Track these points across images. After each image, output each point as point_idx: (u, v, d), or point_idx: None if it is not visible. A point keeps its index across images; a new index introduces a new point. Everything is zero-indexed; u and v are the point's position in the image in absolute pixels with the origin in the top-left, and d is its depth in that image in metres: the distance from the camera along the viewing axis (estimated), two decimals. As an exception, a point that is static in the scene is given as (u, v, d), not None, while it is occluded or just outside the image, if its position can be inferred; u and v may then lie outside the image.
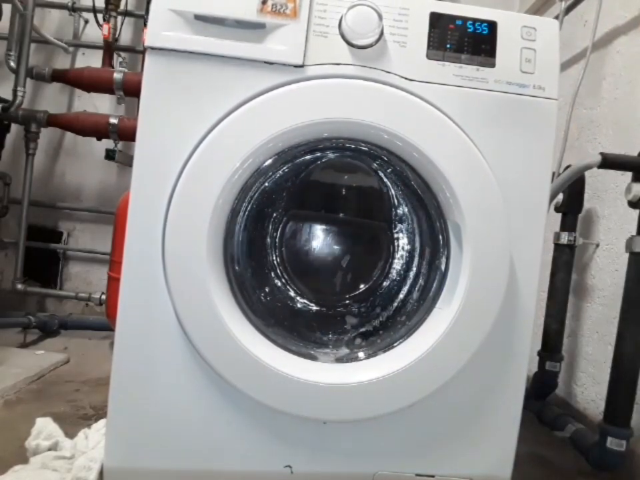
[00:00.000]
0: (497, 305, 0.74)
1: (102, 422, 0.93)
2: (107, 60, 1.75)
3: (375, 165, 0.97)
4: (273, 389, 0.72)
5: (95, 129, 1.67)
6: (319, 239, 1.07)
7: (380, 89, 0.72)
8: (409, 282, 0.97)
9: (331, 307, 1.05)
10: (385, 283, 1.05)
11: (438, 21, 0.75)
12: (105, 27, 1.73)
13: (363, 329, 0.94)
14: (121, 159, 1.76)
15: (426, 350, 0.73)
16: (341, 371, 0.75)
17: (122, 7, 1.78)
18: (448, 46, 0.74)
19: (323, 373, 0.74)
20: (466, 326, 0.73)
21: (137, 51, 1.89)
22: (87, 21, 1.92)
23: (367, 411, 0.74)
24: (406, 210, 1.01)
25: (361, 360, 0.78)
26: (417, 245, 0.98)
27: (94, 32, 1.87)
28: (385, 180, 1.01)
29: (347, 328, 0.96)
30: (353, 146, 0.83)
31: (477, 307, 0.73)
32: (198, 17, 0.70)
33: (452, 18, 0.75)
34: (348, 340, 0.90)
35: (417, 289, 0.92)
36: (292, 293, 1.04)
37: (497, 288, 0.74)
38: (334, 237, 1.07)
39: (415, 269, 0.97)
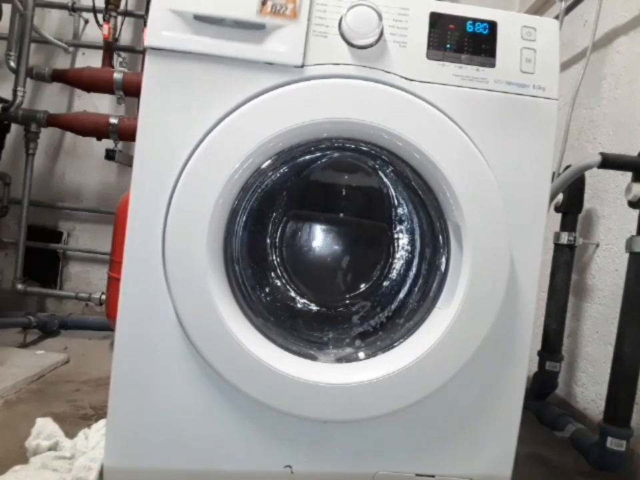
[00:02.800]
0: (496, 305, 0.74)
1: (102, 422, 0.93)
2: (107, 60, 1.75)
3: (375, 164, 0.97)
4: (273, 388, 0.72)
5: (94, 128, 1.67)
6: (319, 239, 1.07)
7: (380, 89, 0.72)
8: (408, 282, 0.97)
9: (331, 307, 1.05)
10: (385, 283, 1.05)
11: (438, 21, 0.75)
12: (105, 27, 1.73)
13: (363, 329, 0.94)
14: (121, 159, 1.76)
15: (426, 350, 0.73)
16: (341, 371, 0.75)
17: (122, 6, 1.78)
18: (448, 46, 0.74)
19: (323, 372, 0.74)
20: (466, 326, 0.73)
21: (137, 51, 1.89)
22: (87, 21, 1.92)
23: (367, 411, 0.74)
24: (406, 210, 1.01)
25: (361, 360, 0.78)
26: (417, 244, 0.97)
27: (94, 32, 1.87)
28: (385, 180, 1.01)
29: (348, 327, 0.96)
30: (353, 146, 0.83)
31: (477, 307, 0.73)
32: (197, 17, 0.70)
33: (452, 18, 0.75)
34: (348, 340, 0.90)
35: (416, 288, 0.92)
36: (292, 293, 1.04)
37: (497, 288, 0.74)
38: (334, 237, 1.07)
39: (414, 268, 0.97)
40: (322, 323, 0.99)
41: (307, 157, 0.93)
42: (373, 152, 0.82)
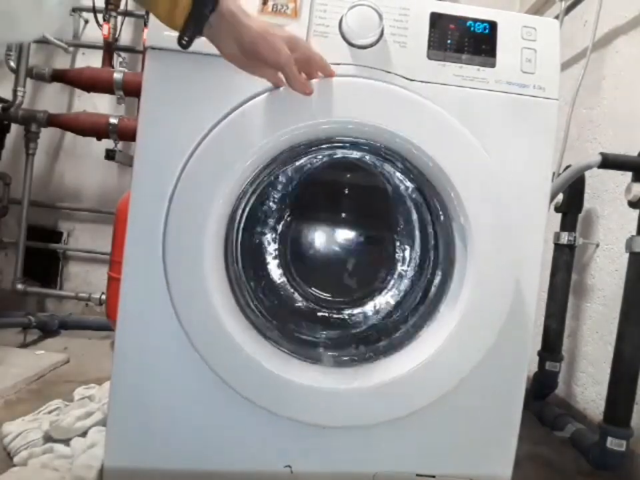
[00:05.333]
0: (503, 312, 0.73)
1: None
2: (107, 60, 1.75)
3: (378, 164, 0.96)
4: (273, 393, 0.72)
5: (94, 129, 1.67)
6: (322, 241, 1.07)
7: (380, 89, 0.72)
8: (412, 286, 0.97)
9: (333, 309, 1.04)
10: (388, 286, 1.04)
11: (438, 21, 0.75)
12: (105, 26, 1.73)
13: (365, 333, 0.93)
14: (121, 159, 1.76)
15: (426, 357, 0.73)
16: (342, 376, 0.75)
17: (122, 6, 1.78)
18: (448, 46, 0.74)
19: (324, 377, 0.74)
20: (469, 334, 0.73)
21: (137, 51, 1.89)
22: (87, 21, 1.92)
23: (365, 419, 0.74)
24: (413, 215, 0.99)
25: (361, 364, 0.78)
26: (421, 248, 0.97)
27: (94, 32, 1.87)
28: (389, 181, 1.00)
29: (349, 332, 0.96)
30: (352, 145, 0.83)
31: (481, 314, 0.73)
32: (198, 17, 0.70)
33: (452, 18, 0.75)
34: (349, 343, 0.90)
35: (420, 294, 0.91)
36: (295, 295, 1.03)
37: (502, 294, 0.73)
38: (336, 240, 1.07)
39: (419, 273, 0.96)
40: (324, 325, 0.99)
41: (309, 157, 0.93)
42: (383, 154, 0.82)
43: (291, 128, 0.69)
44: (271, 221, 1.05)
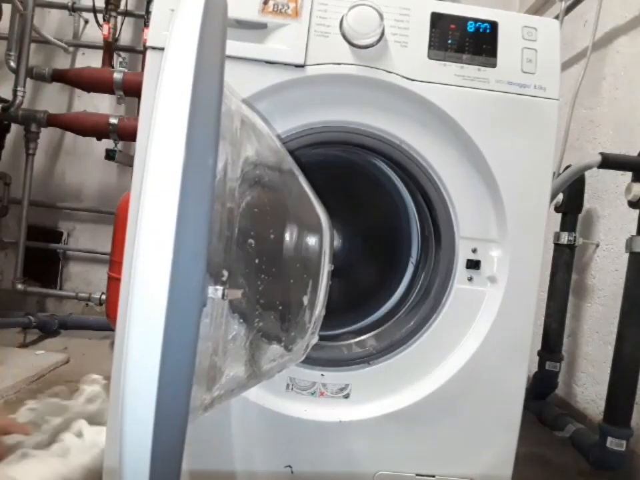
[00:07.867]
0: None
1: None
2: (107, 60, 1.75)
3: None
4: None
5: (94, 128, 1.67)
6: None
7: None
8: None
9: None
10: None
11: (439, 21, 0.75)
12: (105, 26, 1.73)
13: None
14: (121, 159, 1.76)
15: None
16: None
17: (122, 6, 1.78)
18: (449, 46, 0.74)
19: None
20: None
21: (137, 51, 1.89)
22: (87, 21, 1.92)
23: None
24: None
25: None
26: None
27: (94, 32, 1.87)
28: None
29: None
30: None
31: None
32: (199, 17, 0.70)
33: (453, 18, 0.75)
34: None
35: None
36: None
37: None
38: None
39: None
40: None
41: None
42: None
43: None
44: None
